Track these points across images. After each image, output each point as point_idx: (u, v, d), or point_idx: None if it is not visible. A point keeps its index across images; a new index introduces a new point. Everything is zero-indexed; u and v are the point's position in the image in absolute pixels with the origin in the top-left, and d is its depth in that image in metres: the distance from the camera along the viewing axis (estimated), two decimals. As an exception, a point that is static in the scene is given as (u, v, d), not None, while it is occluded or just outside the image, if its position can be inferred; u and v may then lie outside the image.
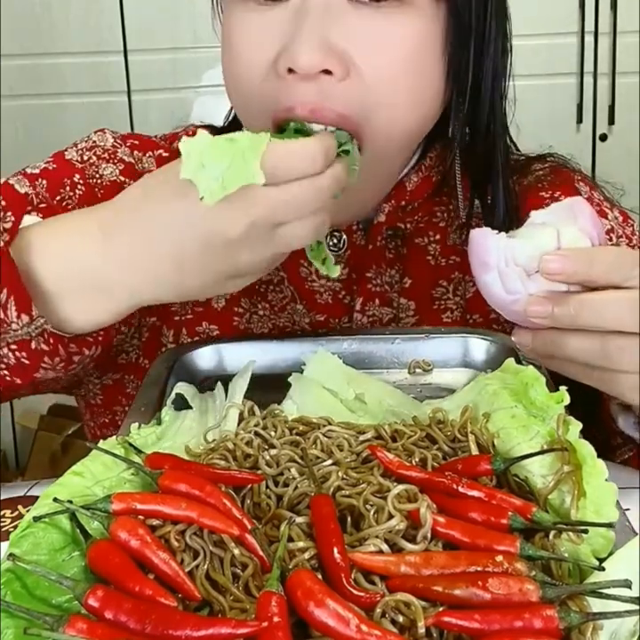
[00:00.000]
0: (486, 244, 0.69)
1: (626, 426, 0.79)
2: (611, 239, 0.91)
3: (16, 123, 2.34)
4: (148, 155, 0.95)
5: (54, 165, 0.89)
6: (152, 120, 2.33)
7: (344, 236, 0.91)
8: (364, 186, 0.80)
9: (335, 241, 0.91)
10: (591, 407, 0.79)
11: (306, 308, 0.94)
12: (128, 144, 0.94)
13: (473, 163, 0.91)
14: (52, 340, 0.73)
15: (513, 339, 0.71)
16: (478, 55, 0.84)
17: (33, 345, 0.72)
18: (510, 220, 0.88)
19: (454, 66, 0.82)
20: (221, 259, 0.67)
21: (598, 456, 0.60)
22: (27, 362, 0.73)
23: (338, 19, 0.75)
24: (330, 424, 0.71)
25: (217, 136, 0.64)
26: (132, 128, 2.35)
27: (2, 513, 0.76)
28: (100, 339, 0.77)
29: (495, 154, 0.90)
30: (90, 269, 0.71)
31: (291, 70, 0.74)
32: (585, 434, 0.62)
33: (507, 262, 0.67)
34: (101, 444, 0.66)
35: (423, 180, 0.91)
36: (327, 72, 0.74)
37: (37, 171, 0.87)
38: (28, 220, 0.76)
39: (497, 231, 0.69)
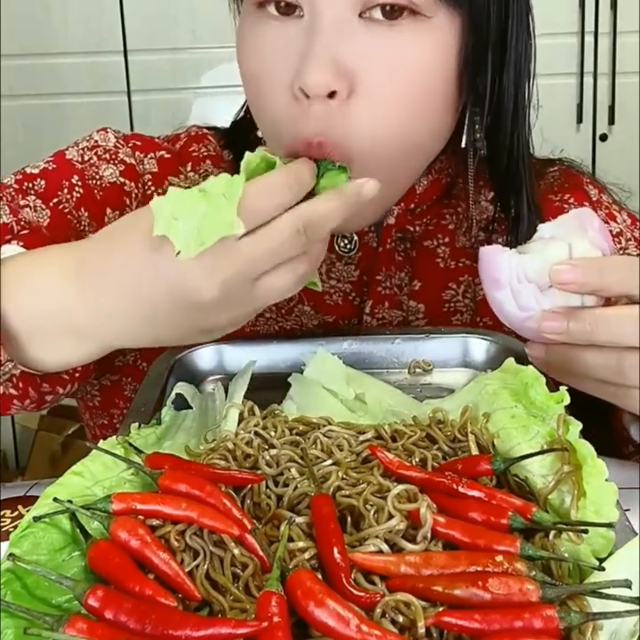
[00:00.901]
0: (497, 261, 0.67)
1: (638, 435, 0.78)
2: (619, 242, 0.91)
3: (16, 123, 2.34)
4: (149, 156, 0.94)
5: (54, 165, 0.88)
6: (152, 120, 2.33)
7: (355, 238, 0.90)
8: (379, 193, 0.77)
9: (346, 242, 0.91)
10: (603, 415, 0.78)
11: (314, 309, 0.93)
12: (130, 144, 0.93)
13: (496, 174, 0.89)
14: (21, 385, 0.71)
15: (527, 351, 0.70)
16: (498, 64, 0.82)
17: (0, 389, 0.70)
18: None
19: (471, 78, 0.80)
20: (197, 319, 0.64)
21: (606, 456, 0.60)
22: None
23: (348, 37, 0.72)
24: (330, 424, 0.71)
25: (188, 189, 0.60)
26: (131, 128, 2.34)
27: (2, 513, 0.76)
28: (77, 375, 0.76)
29: (519, 166, 0.88)
30: (62, 311, 0.67)
31: (303, 91, 0.72)
32: (598, 443, 0.61)
33: (519, 279, 0.67)
34: (101, 444, 0.66)
35: (432, 184, 0.90)
36: (332, 94, 0.72)
37: (37, 170, 0.87)
38: (8, 249, 0.73)
39: (509, 247, 0.68)
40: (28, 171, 0.87)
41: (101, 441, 0.67)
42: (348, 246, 0.90)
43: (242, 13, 0.81)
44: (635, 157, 2.34)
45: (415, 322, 0.94)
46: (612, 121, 2.37)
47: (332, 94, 0.72)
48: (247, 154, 0.64)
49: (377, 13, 0.73)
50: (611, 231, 0.91)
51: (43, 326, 0.68)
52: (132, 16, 2.31)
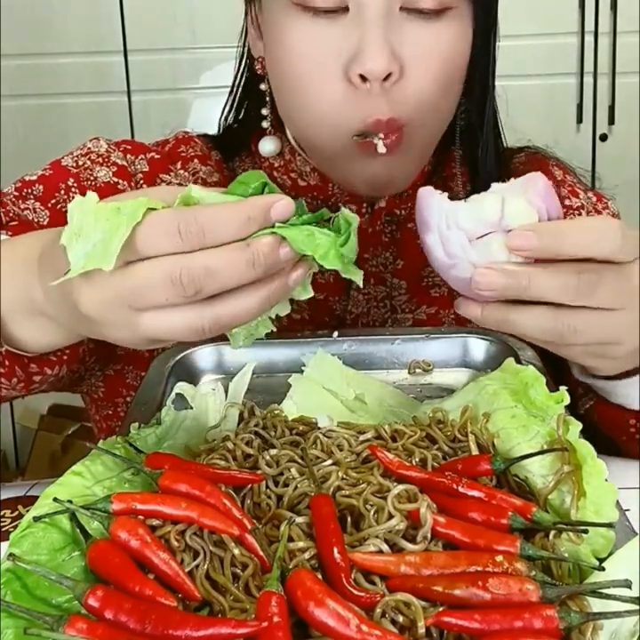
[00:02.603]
0: (429, 203, 0.67)
1: (580, 374, 0.82)
2: (580, 215, 0.97)
3: (16, 123, 2.34)
4: (140, 157, 0.98)
5: (51, 172, 0.93)
6: (152, 120, 2.33)
7: None
8: (407, 170, 0.89)
9: None
10: (557, 361, 0.80)
11: None
12: (121, 149, 0.98)
13: (471, 153, 0.97)
14: (7, 362, 0.73)
15: (458, 309, 0.69)
16: (493, 47, 0.91)
17: None
18: None
19: (476, 61, 0.88)
20: (90, 329, 0.62)
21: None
22: None
23: (394, 28, 0.80)
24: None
25: (105, 202, 0.58)
26: (131, 128, 2.35)
27: (2, 513, 0.76)
28: (65, 358, 0.78)
29: (489, 145, 0.96)
30: (27, 296, 0.68)
31: (362, 78, 0.79)
32: (598, 443, 0.62)
33: (448, 225, 0.66)
34: (101, 444, 0.66)
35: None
36: (388, 76, 0.79)
37: (35, 177, 0.92)
38: None
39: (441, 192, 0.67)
40: (27, 178, 0.92)
41: (101, 441, 0.67)
42: None
43: (275, 12, 0.84)
44: (635, 157, 2.34)
45: (398, 297, 1.00)
46: (611, 121, 2.37)
47: (386, 77, 0.79)
48: (191, 186, 0.59)
49: (411, 5, 0.81)
50: (571, 205, 0.98)
51: (16, 309, 0.70)
52: (132, 16, 2.31)
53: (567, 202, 0.99)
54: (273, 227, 0.57)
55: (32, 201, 0.89)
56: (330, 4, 0.80)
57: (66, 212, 0.87)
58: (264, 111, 0.94)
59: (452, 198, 0.67)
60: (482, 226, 0.64)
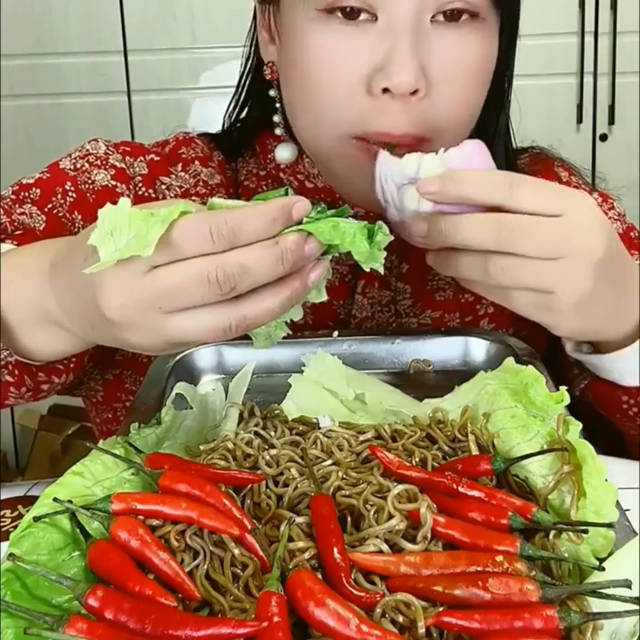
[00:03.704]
0: (379, 159, 0.79)
1: (572, 350, 0.83)
2: None
3: (16, 123, 2.34)
4: (139, 160, 0.97)
5: (48, 175, 0.92)
6: (152, 120, 2.33)
7: None
8: None
9: None
10: (554, 347, 0.83)
11: None
12: (120, 150, 0.97)
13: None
14: (17, 371, 0.73)
15: (427, 260, 0.76)
16: (513, 53, 0.92)
17: None
18: None
19: (502, 69, 0.89)
20: (111, 332, 0.62)
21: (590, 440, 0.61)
22: None
23: (424, 40, 0.79)
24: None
25: (139, 207, 0.58)
26: (131, 128, 2.35)
27: (2, 513, 0.76)
28: (72, 365, 0.78)
29: (503, 147, 0.96)
30: (39, 305, 0.68)
31: (385, 90, 0.79)
32: (598, 443, 0.63)
33: (385, 177, 0.78)
34: (101, 444, 0.66)
35: None
36: (414, 92, 0.79)
37: (32, 180, 0.91)
38: (2, 247, 0.77)
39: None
40: (24, 181, 0.91)
41: (101, 441, 0.67)
42: None
43: (298, 23, 0.83)
44: (635, 157, 2.34)
45: (402, 301, 0.99)
46: (611, 121, 2.37)
47: (413, 93, 0.79)
48: (212, 199, 0.62)
49: (442, 17, 0.81)
50: None
51: (27, 318, 0.70)
52: (132, 16, 2.31)
53: None
54: (299, 223, 0.60)
55: (29, 205, 0.88)
56: (357, 13, 0.79)
57: (62, 217, 0.89)
58: (276, 118, 0.93)
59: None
60: (402, 178, 0.75)
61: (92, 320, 0.63)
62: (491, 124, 0.93)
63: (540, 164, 1.02)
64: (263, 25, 0.91)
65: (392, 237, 0.65)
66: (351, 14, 0.80)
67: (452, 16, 0.80)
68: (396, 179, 0.76)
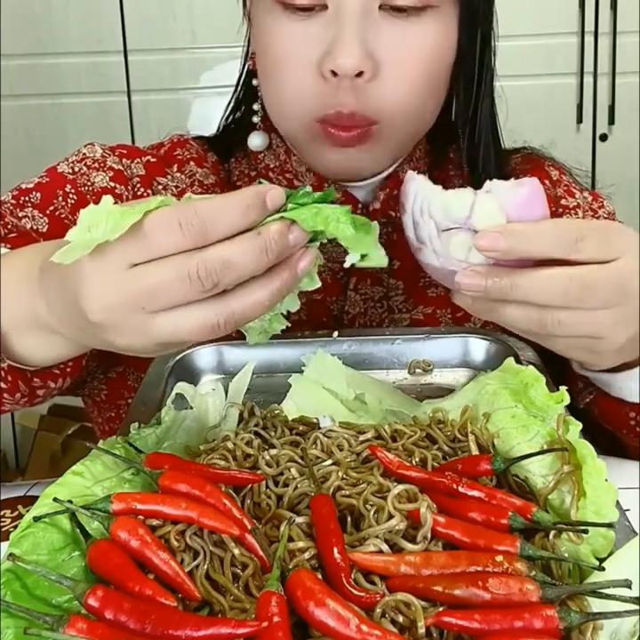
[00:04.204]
0: (407, 186, 0.70)
1: (579, 368, 0.82)
2: (577, 214, 0.99)
3: (16, 123, 2.34)
4: (136, 161, 0.98)
5: (47, 179, 0.93)
6: (152, 120, 2.33)
7: None
8: (376, 160, 0.91)
9: None
10: (557, 357, 0.81)
11: None
12: (117, 153, 0.98)
13: (469, 153, 0.97)
14: (10, 378, 0.72)
15: (453, 300, 0.71)
16: (482, 46, 0.91)
17: None
18: None
19: (463, 59, 0.89)
20: (98, 335, 0.61)
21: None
22: None
23: (371, 26, 0.82)
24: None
25: (121, 206, 0.57)
26: (131, 128, 2.34)
27: (2, 513, 0.76)
28: (69, 370, 0.77)
29: (489, 142, 0.96)
30: (30, 310, 0.67)
31: (334, 73, 0.81)
32: (598, 443, 0.63)
33: (422, 211, 0.68)
34: (101, 444, 0.66)
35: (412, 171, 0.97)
36: (360, 74, 0.81)
37: (32, 185, 0.92)
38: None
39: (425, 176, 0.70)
40: (24, 186, 0.92)
41: (101, 441, 0.67)
42: None
43: (260, 12, 0.87)
44: (635, 157, 2.34)
45: (395, 297, 1.00)
46: (611, 121, 2.37)
47: (358, 74, 0.81)
48: (189, 194, 0.62)
49: (391, 3, 0.82)
50: (567, 205, 0.99)
51: (18, 323, 0.69)
52: (132, 16, 2.31)
53: (563, 201, 1.00)
54: (283, 211, 0.58)
55: (30, 209, 0.89)
56: (308, 2, 0.82)
57: (64, 218, 0.89)
58: (255, 106, 0.96)
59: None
60: (449, 220, 0.67)
61: (78, 324, 0.62)
62: (470, 123, 0.94)
63: (531, 163, 1.03)
64: (248, 17, 0.95)
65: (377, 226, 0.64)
66: (303, 5, 0.83)
67: (399, 9, 0.82)
68: (437, 218, 0.67)
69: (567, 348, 0.72)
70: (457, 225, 0.66)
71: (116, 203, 0.58)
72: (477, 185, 0.95)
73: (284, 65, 0.85)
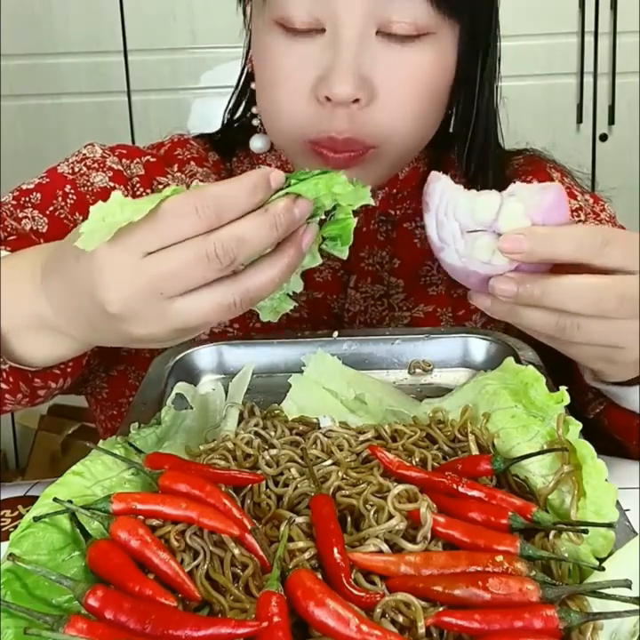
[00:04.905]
0: (433, 186, 0.70)
1: (591, 379, 0.81)
2: (579, 216, 0.98)
3: (16, 123, 2.34)
4: (135, 161, 0.99)
5: (47, 179, 0.93)
6: (152, 120, 2.33)
7: None
8: (386, 171, 0.91)
9: None
10: (565, 365, 0.81)
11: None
12: (116, 153, 0.98)
13: (468, 157, 0.97)
14: (11, 379, 0.72)
15: (470, 299, 0.71)
16: (484, 65, 0.92)
17: None
18: None
19: (463, 78, 0.89)
20: (116, 328, 0.62)
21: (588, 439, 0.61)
22: None
23: (367, 52, 0.81)
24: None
25: (133, 199, 0.59)
26: (131, 128, 2.34)
27: (2, 513, 0.76)
28: (69, 370, 0.77)
29: (488, 150, 0.96)
30: (32, 310, 0.68)
31: (328, 98, 0.81)
32: (598, 443, 0.62)
33: (446, 212, 0.69)
34: (101, 444, 0.66)
35: (412, 171, 0.99)
36: (355, 101, 0.81)
37: (32, 186, 0.92)
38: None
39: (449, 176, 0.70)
40: (24, 187, 0.92)
41: (101, 441, 0.67)
42: None
43: (259, 28, 0.87)
44: (635, 157, 2.34)
45: (395, 295, 1.00)
46: (611, 121, 2.36)
47: (354, 101, 0.81)
48: (195, 181, 0.64)
49: (388, 30, 0.81)
50: (569, 207, 0.96)
51: (20, 324, 0.69)
52: (132, 16, 2.31)
53: None
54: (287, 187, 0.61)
55: (30, 209, 0.89)
56: (306, 26, 0.82)
57: (64, 218, 0.90)
58: (254, 110, 0.96)
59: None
60: (475, 222, 0.67)
61: (92, 321, 0.63)
62: (466, 129, 0.94)
63: (533, 165, 1.03)
64: (246, 25, 0.95)
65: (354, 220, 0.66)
66: (301, 27, 0.82)
67: (396, 36, 0.82)
68: (462, 219, 0.68)
69: (585, 355, 0.71)
70: (482, 227, 0.67)
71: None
72: (478, 185, 0.96)
73: (279, 85, 0.85)
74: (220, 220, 0.58)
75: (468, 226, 0.67)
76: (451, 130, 0.97)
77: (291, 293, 0.70)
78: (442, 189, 0.69)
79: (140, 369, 0.97)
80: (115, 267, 0.59)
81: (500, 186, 0.94)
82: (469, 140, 0.95)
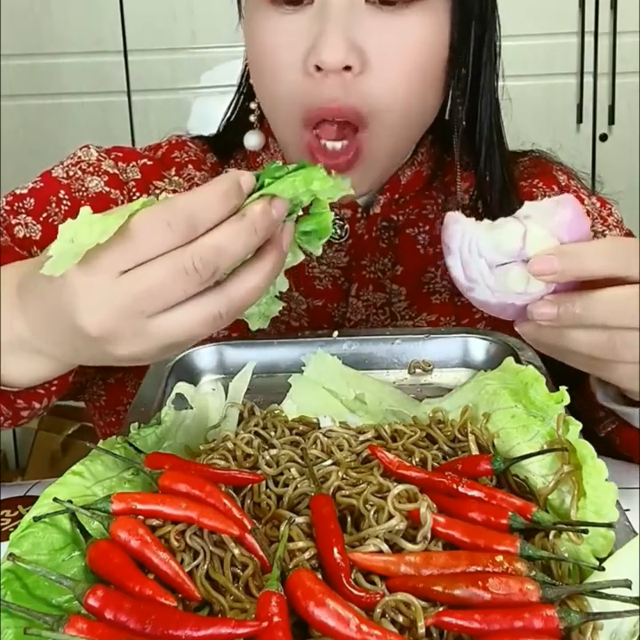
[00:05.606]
0: (451, 228, 0.68)
1: (604, 399, 0.80)
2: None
3: (16, 123, 2.34)
4: (131, 165, 0.97)
5: (41, 184, 0.92)
6: (152, 120, 2.33)
7: (346, 226, 0.95)
8: (377, 164, 0.88)
9: (337, 230, 0.95)
10: (577, 382, 0.80)
11: (303, 294, 0.97)
12: (112, 156, 0.97)
13: (471, 152, 0.95)
14: None
15: (516, 329, 0.69)
16: (479, 42, 0.90)
17: None
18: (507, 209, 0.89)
19: (457, 55, 0.87)
20: (98, 349, 0.59)
21: (589, 439, 0.61)
22: None
23: (357, 20, 0.80)
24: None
25: (103, 214, 0.56)
26: (131, 128, 2.34)
27: (2, 513, 0.76)
28: (54, 389, 0.74)
29: (493, 143, 0.94)
30: (9, 330, 0.64)
31: (318, 68, 0.80)
32: (598, 443, 0.62)
33: (470, 250, 0.67)
34: (101, 443, 0.66)
35: (415, 175, 0.97)
36: (347, 68, 0.80)
37: (26, 190, 0.91)
38: None
39: (468, 215, 0.69)
40: (18, 192, 0.91)
41: (101, 441, 0.67)
42: (339, 233, 0.95)
43: (250, 7, 0.87)
44: (635, 157, 2.34)
45: (397, 303, 0.99)
46: (611, 121, 2.37)
47: (346, 68, 0.80)
48: (164, 194, 0.62)
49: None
50: None
51: (2, 347, 0.66)
52: (132, 16, 2.31)
53: None
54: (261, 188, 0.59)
55: (23, 215, 0.88)
56: (292, 1, 0.81)
57: (57, 225, 0.88)
58: (252, 105, 0.95)
59: (478, 218, 0.68)
60: (502, 255, 0.65)
61: (73, 343, 0.60)
62: (460, 117, 0.92)
63: (539, 167, 1.02)
64: (240, 12, 0.93)
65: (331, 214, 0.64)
66: (290, 1, 0.82)
67: (386, 2, 0.81)
68: (488, 254, 0.66)
69: (629, 375, 0.68)
70: (511, 258, 0.65)
71: (108, 208, 0.58)
72: (482, 187, 0.94)
73: (270, 61, 0.84)
74: (194, 231, 0.56)
75: (495, 260, 0.66)
76: (452, 129, 0.94)
77: (278, 294, 0.69)
78: (462, 230, 0.68)
79: (138, 377, 0.93)
80: (89, 288, 0.56)
81: (508, 187, 0.94)
82: (470, 133, 0.93)
